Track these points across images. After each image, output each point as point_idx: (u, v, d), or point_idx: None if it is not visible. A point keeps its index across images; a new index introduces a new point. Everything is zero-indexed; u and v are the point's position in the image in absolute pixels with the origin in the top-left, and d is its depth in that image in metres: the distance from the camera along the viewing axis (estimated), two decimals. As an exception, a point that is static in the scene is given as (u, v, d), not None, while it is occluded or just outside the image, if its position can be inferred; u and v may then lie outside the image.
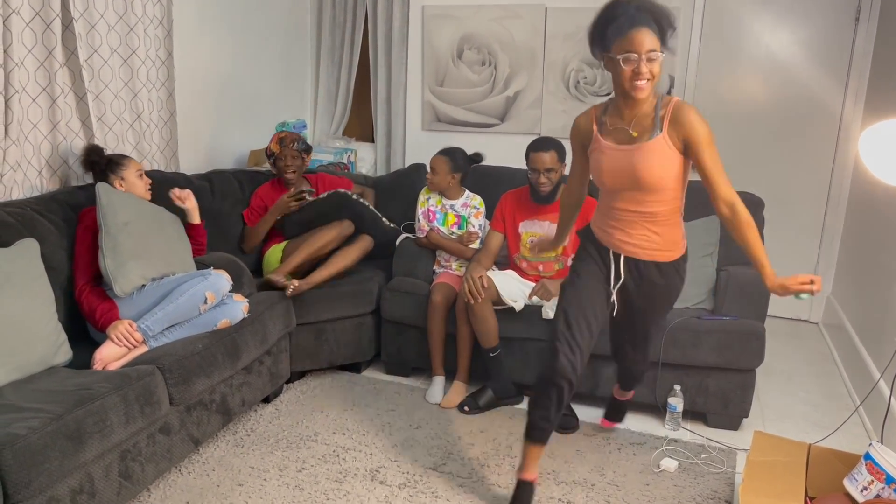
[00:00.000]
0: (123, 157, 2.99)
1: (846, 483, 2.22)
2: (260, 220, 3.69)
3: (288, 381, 3.45)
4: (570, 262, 3.34)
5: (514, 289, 3.30)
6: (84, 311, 2.69)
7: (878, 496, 2.13)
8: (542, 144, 3.24)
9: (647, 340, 2.73)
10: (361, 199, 3.59)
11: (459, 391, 3.36)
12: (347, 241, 3.54)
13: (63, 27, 2.99)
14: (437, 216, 3.70)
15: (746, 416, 3.16)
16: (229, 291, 2.89)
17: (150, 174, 3.35)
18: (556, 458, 2.91)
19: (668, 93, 4.43)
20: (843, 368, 3.79)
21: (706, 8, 4.32)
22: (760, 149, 4.42)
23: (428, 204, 3.70)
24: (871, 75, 4.11)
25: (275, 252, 3.60)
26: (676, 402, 3.11)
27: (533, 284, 3.37)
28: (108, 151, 3.12)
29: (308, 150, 3.80)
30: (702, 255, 3.45)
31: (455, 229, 3.67)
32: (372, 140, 5.12)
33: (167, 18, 3.52)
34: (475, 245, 3.58)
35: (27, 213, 2.71)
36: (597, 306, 2.45)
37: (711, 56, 4.38)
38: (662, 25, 2.20)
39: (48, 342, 2.44)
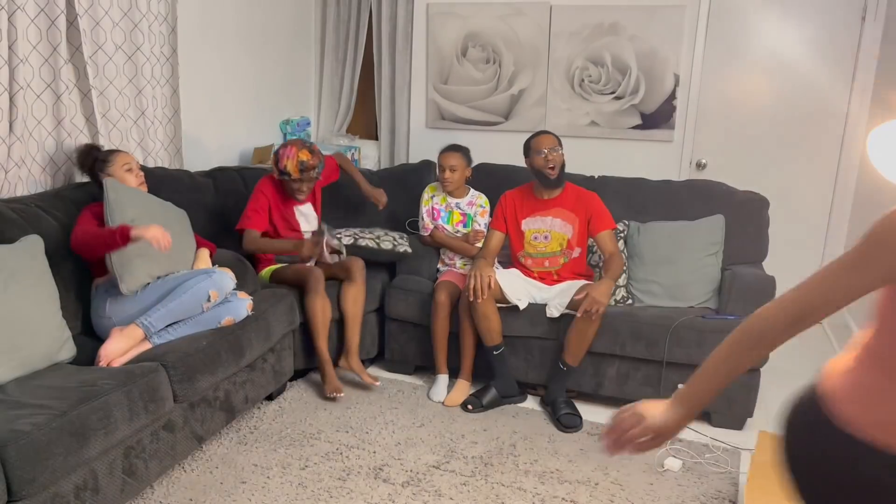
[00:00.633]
0: (110, 152, 2.93)
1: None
2: (271, 241, 3.40)
3: (291, 379, 3.44)
4: (575, 255, 3.35)
5: (517, 287, 3.29)
6: (93, 240, 2.57)
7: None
8: (539, 132, 3.40)
9: None
10: (376, 243, 3.61)
11: (463, 389, 3.36)
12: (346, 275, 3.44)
13: (68, 24, 2.98)
14: (442, 214, 3.70)
15: (751, 416, 3.16)
16: (233, 289, 2.90)
17: (153, 171, 3.35)
18: (560, 457, 2.90)
19: (673, 92, 4.42)
20: (848, 368, 3.77)
21: (711, 7, 4.30)
22: (765, 148, 4.41)
23: (432, 202, 3.70)
24: (877, 74, 4.09)
25: (265, 274, 3.47)
26: (680, 402, 3.10)
27: (537, 282, 3.37)
28: (110, 147, 3.12)
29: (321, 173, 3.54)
30: (706, 254, 3.44)
31: (460, 227, 3.67)
32: (376, 138, 5.11)
33: (171, 15, 3.51)
34: (480, 244, 3.57)
35: (31, 210, 2.71)
36: None
37: (716, 55, 4.36)
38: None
39: (52, 338, 2.43)
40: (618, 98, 4.54)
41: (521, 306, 3.25)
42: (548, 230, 3.35)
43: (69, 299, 2.72)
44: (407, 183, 4.11)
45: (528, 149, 3.36)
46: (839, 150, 4.30)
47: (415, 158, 4.87)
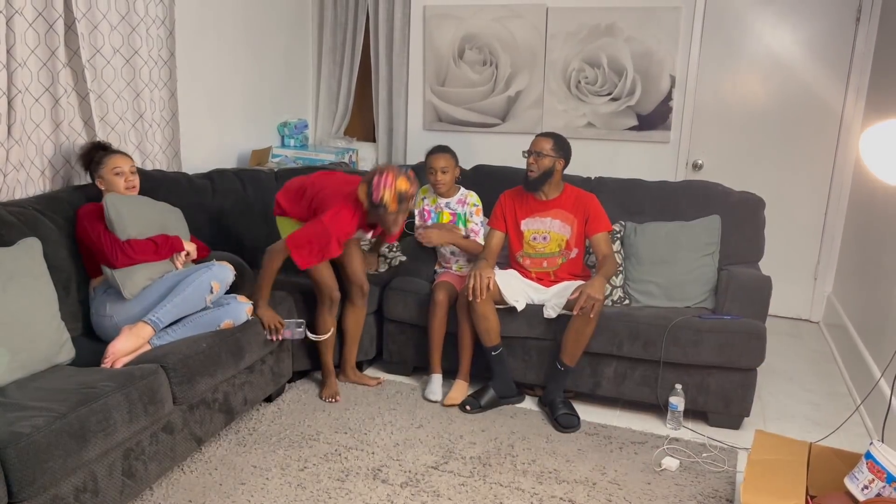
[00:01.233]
0: (106, 154, 2.94)
1: (847, 482, 2.22)
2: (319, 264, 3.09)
3: (290, 381, 3.45)
4: (573, 256, 3.36)
5: (515, 288, 3.30)
6: (139, 255, 2.77)
7: (878, 495, 2.14)
8: (544, 134, 3.38)
9: None
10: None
11: (461, 389, 3.37)
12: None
13: (66, 27, 3.00)
14: (432, 215, 3.70)
15: (747, 416, 3.17)
16: (233, 294, 2.92)
17: (151, 174, 3.37)
18: (558, 456, 2.91)
19: (669, 93, 4.44)
20: (844, 368, 3.80)
21: (707, 7, 4.32)
22: (761, 148, 4.43)
23: (423, 204, 3.71)
24: (871, 75, 4.11)
25: (286, 224, 3.24)
26: (678, 401, 3.12)
27: (534, 283, 3.38)
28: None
29: None
30: (702, 254, 3.46)
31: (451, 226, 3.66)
32: (373, 140, 5.13)
33: (169, 18, 3.52)
34: (481, 239, 3.59)
35: (29, 213, 2.72)
36: None
37: (712, 56, 4.38)
38: None
39: (51, 340, 2.44)
40: (614, 99, 4.55)
41: (519, 307, 3.26)
42: (547, 231, 3.36)
43: (67, 301, 2.73)
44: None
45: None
46: (834, 150, 4.32)
47: (412, 160, 4.89)
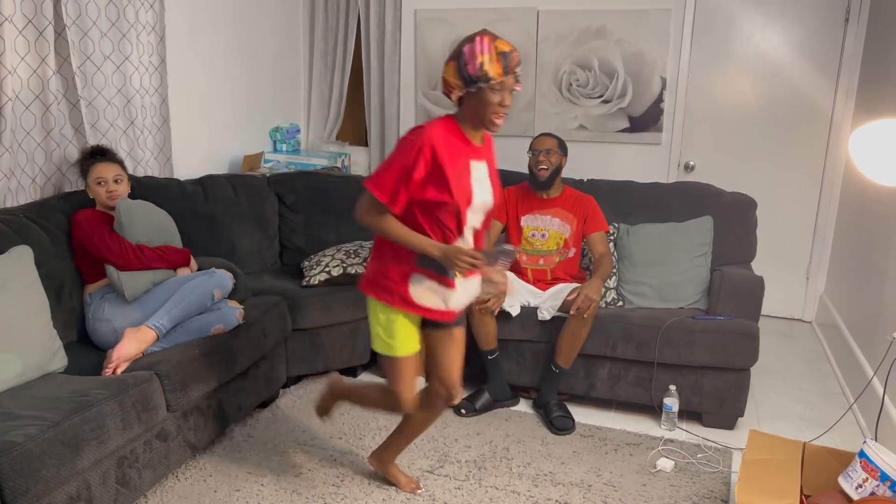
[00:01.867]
0: (94, 162, 2.92)
1: (841, 481, 2.23)
2: (413, 234, 2.16)
3: (284, 386, 3.44)
4: (570, 255, 3.37)
5: (511, 293, 3.30)
6: (151, 262, 2.84)
7: (872, 493, 2.14)
8: (546, 133, 3.41)
9: None
10: (365, 267, 3.41)
11: None
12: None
13: (56, 34, 2.99)
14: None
15: (742, 416, 3.18)
16: (224, 299, 2.93)
17: (143, 180, 3.36)
18: (553, 459, 2.91)
19: (660, 95, 4.45)
20: (837, 367, 3.81)
21: (697, 9, 4.34)
22: (752, 148, 4.45)
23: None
24: (860, 75, 4.14)
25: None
26: (672, 402, 3.12)
27: (530, 286, 3.38)
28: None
29: None
30: (695, 255, 3.47)
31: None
32: (366, 144, 5.12)
33: (160, 24, 3.52)
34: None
35: (21, 221, 2.72)
36: None
37: (703, 57, 4.40)
38: None
39: (43, 349, 2.43)
40: (606, 102, 4.57)
41: (514, 313, 3.26)
42: (546, 228, 3.39)
43: (60, 309, 2.72)
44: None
45: (531, 146, 3.41)
46: (825, 150, 4.34)
47: (405, 164, 4.88)
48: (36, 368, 2.40)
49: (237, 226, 3.74)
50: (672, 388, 3.14)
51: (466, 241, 2.22)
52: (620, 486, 2.73)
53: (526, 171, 3.47)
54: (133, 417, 2.31)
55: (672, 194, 3.73)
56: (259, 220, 3.83)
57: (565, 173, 3.71)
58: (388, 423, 3.17)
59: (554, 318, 3.22)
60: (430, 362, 2.44)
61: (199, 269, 3.05)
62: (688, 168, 4.56)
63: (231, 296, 3.02)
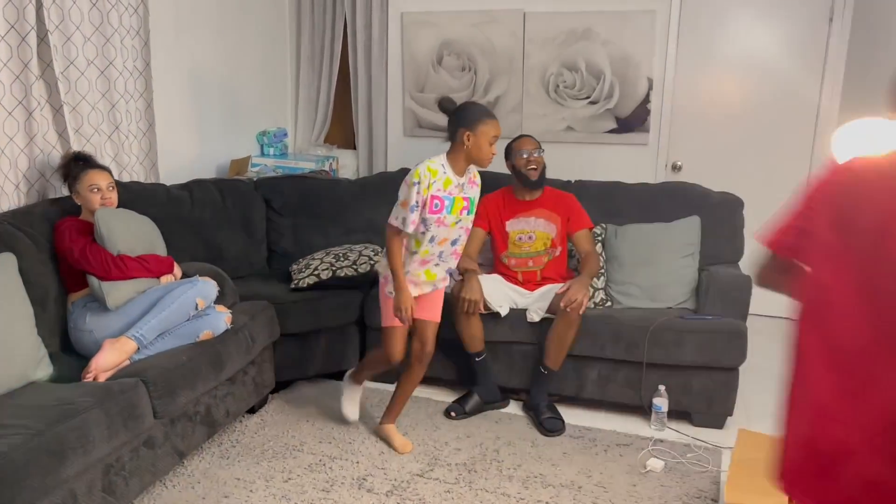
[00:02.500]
0: (84, 169, 2.89)
1: (829, 478, 2.24)
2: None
3: (273, 391, 3.42)
4: (557, 254, 3.38)
5: (499, 294, 3.30)
6: (132, 271, 2.78)
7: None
8: (520, 136, 3.44)
9: None
10: (354, 269, 3.54)
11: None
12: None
13: (38, 39, 2.96)
14: (446, 203, 2.72)
15: (731, 415, 3.19)
16: (212, 304, 2.90)
17: (129, 185, 3.34)
18: (543, 461, 2.91)
19: (647, 95, 4.46)
20: (825, 365, 3.82)
21: (682, 11, 4.35)
22: (739, 148, 4.46)
23: (433, 189, 2.65)
24: (845, 74, 4.16)
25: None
26: (661, 403, 3.13)
27: (518, 288, 3.38)
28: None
29: None
30: (683, 255, 3.48)
31: (464, 216, 2.81)
32: (353, 147, 5.11)
33: (144, 29, 3.50)
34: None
35: (4, 228, 2.69)
36: None
37: (688, 57, 4.41)
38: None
39: (28, 357, 2.41)
40: (593, 103, 4.57)
41: (503, 313, 3.26)
42: (532, 230, 3.39)
43: (44, 317, 2.69)
44: (386, 191, 4.10)
45: (509, 151, 3.41)
46: (811, 149, 4.36)
47: (393, 167, 4.87)
48: (20, 377, 2.37)
49: (224, 230, 3.72)
50: (661, 388, 3.14)
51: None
52: (610, 487, 2.73)
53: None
54: (119, 425, 2.29)
55: (660, 195, 3.74)
56: (246, 225, 3.82)
57: (555, 173, 3.72)
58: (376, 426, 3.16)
59: (543, 320, 3.22)
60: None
61: (184, 276, 3.03)
62: (675, 168, 4.57)
63: (219, 301, 3.00)
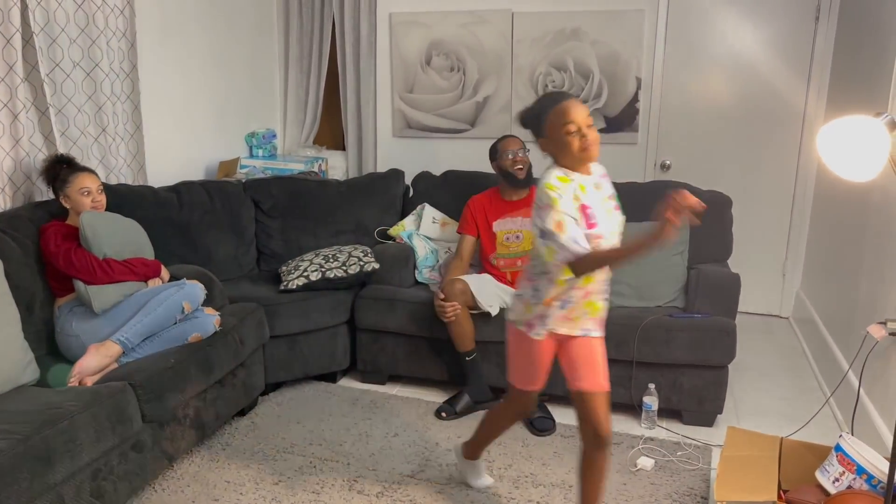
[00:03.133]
0: (72, 172, 2.87)
1: (818, 475, 2.25)
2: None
3: (263, 393, 3.41)
4: None
5: (489, 294, 3.30)
6: (118, 275, 2.77)
7: (849, 487, 2.16)
8: (505, 136, 3.43)
9: None
10: (344, 271, 3.50)
11: None
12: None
13: (23, 42, 2.94)
14: (598, 210, 2.21)
15: (720, 413, 3.20)
16: (201, 304, 2.89)
17: (116, 188, 3.32)
18: (534, 460, 2.91)
19: (636, 95, 4.48)
20: (814, 362, 3.85)
21: (670, 10, 4.37)
22: (726, 146, 4.48)
23: (580, 196, 2.14)
24: (832, 72, 4.19)
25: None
26: (651, 401, 3.14)
27: (508, 288, 3.38)
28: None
29: None
30: (672, 253, 3.49)
31: (618, 215, 2.33)
32: (343, 148, 5.10)
33: (130, 30, 3.48)
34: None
35: (-10, 231, 2.67)
36: None
37: (676, 56, 4.43)
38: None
39: (14, 361, 2.39)
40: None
41: (493, 313, 3.26)
42: (519, 230, 3.39)
43: (31, 321, 2.68)
44: (375, 192, 4.11)
45: (494, 152, 3.41)
46: (798, 147, 4.39)
47: (382, 167, 4.87)
48: (7, 381, 2.36)
49: (213, 232, 3.70)
50: (651, 386, 3.15)
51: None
52: (601, 486, 2.73)
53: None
54: (107, 429, 2.28)
55: (649, 193, 3.73)
56: (235, 227, 3.80)
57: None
58: (367, 429, 3.16)
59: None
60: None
61: (172, 278, 3.02)
62: (664, 167, 4.59)
63: (207, 303, 2.99)
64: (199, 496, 2.65)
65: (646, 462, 2.86)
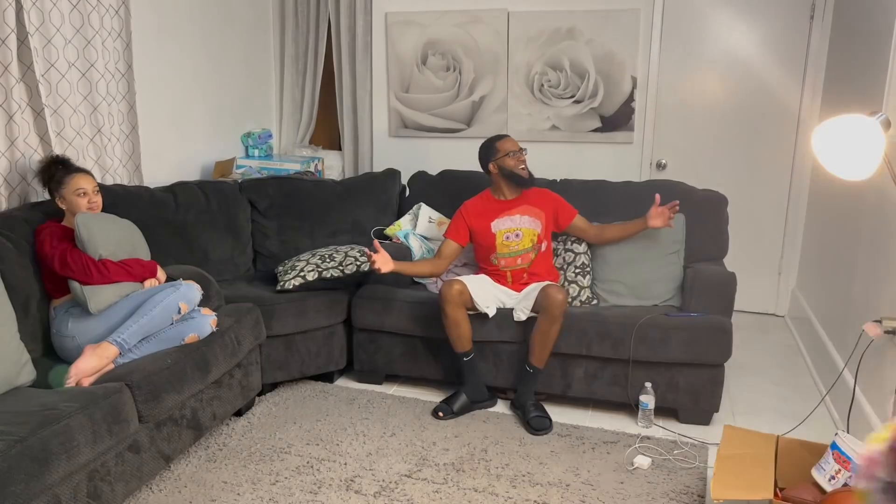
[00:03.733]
0: (67, 173, 2.86)
1: (814, 473, 2.26)
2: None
3: (260, 394, 3.41)
4: (543, 249, 3.39)
5: (486, 295, 3.30)
6: (115, 275, 2.76)
7: (845, 485, 2.17)
8: (500, 136, 3.43)
9: None
10: (341, 271, 3.48)
11: None
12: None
13: (19, 42, 2.94)
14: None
15: (717, 411, 3.20)
16: (197, 305, 2.89)
17: (112, 188, 3.32)
18: (531, 459, 2.91)
19: (631, 94, 4.48)
20: (810, 360, 3.86)
21: (665, 10, 4.38)
22: (722, 146, 4.49)
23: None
24: (826, 72, 4.20)
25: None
26: (648, 400, 3.14)
27: (506, 289, 3.39)
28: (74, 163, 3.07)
29: None
30: (668, 252, 3.49)
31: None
32: (339, 148, 5.10)
33: (125, 31, 3.47)
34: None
35: (-15, 232, 2.66)
36: None
37: (672, 56, 4.44)
38: None
39: (10, 362, 2.39)
40: (577, 102, 4.59)
41: (490, 313, 3.26)
42: (518, 228, 3.39)
43: (27, 322, 2.67)
44: (372, 192, 4.11)
45: (493, 152, 3.38)
46: (793, 146, 4.40)
47: (379, 167, 4.88)
48: (3, 382, 2.35)
49: (209, 233, 3.70)
50: (648, 385, 3.16)
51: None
52: (598, 485, 2.74)
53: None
54: (103, 430, 2.27)
55: (644, 193, 3.75)
56: (231, 227, 3.80)
57: (540, 172, 3.74)
58: (364, 429, 3.16)
59: (529, 319, 3.23)
60: None
61: (169, 279, 3.01)
62: (660, 166, 4.60)
63: (204, 303, 2.99)
64: (196, 497, 2.65)
65: (643, 461, 2.87)
